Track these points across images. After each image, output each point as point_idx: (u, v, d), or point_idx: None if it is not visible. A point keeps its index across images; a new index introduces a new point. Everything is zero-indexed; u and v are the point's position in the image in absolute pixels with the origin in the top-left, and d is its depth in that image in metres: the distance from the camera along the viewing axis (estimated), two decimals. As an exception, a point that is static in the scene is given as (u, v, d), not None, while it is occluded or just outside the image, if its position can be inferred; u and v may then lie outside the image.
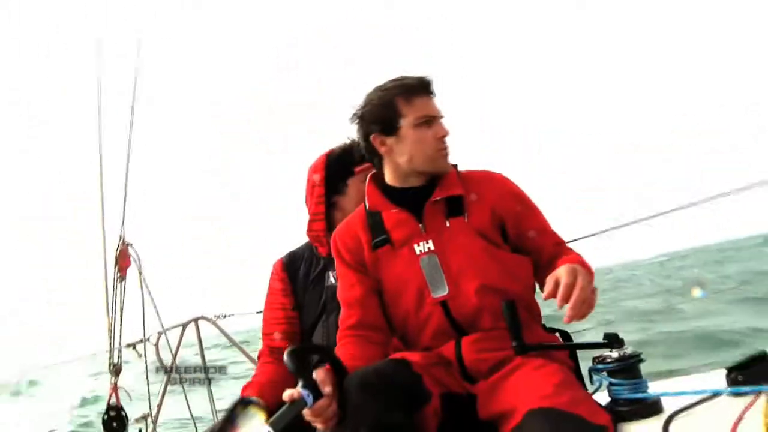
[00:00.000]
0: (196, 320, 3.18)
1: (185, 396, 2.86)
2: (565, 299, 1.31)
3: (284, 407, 1.31)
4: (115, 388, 2.53)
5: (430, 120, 1.62)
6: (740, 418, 1.21)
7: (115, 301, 2.45)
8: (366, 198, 1.70)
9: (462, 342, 1.55)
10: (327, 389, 1.33)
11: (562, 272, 1.34)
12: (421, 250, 1.59)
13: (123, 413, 2.57)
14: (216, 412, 3.02)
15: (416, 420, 1.39)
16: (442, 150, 1.63)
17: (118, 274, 2.39)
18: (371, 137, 1.65)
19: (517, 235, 1.63)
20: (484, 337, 1.54)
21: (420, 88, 1.62)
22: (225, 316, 3.20)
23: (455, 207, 1.62)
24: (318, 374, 1.34)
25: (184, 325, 3.17)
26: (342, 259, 1.69)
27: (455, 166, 1.70)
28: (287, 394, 1.31)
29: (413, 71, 1.66)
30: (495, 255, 1.59)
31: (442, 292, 1.57)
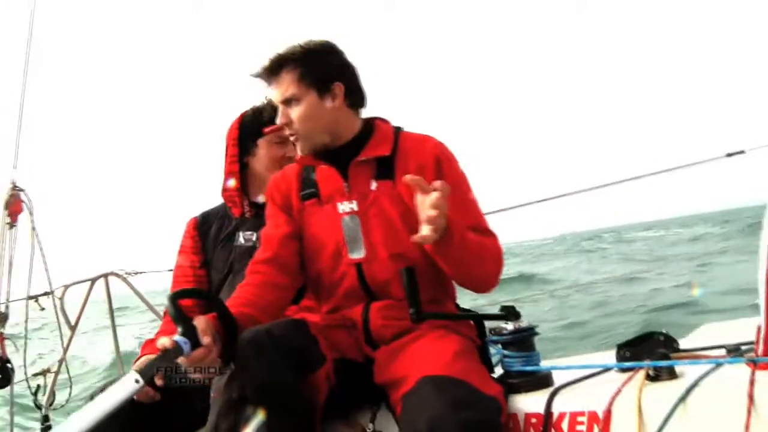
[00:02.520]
0: (105, 276, 3.07)
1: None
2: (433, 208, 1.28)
3: (156, 355, 1.25)
4: (0, 338, 2.40)
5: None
6: (618, 392, 1.25)
7: (4, 249, 2.32)
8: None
9: (370, 307, 1.55)
10: (206, 339, 1.27)
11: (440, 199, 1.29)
12: (344, 210, 1.58)
13: (9, 365, 2.45)
14: (121, 368, 2.94)
15: (307, 383, 1.37)
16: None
17: (8, 220, 2.25)
18: (334, 84, 1.58)
19: None
20: (393, 305, 1.54)
21: None
22: (136, 273, 3.10)
23: (384, 169, 1.58)
24: (198, 322, 1.28)
25: (93, 280, 3.05)
26: (273, 201, 1.68)
27: (398, 128, 1.67)
28: (160, 343, 1.24)
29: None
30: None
31: (359, 254, 1.56)
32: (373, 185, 1.58)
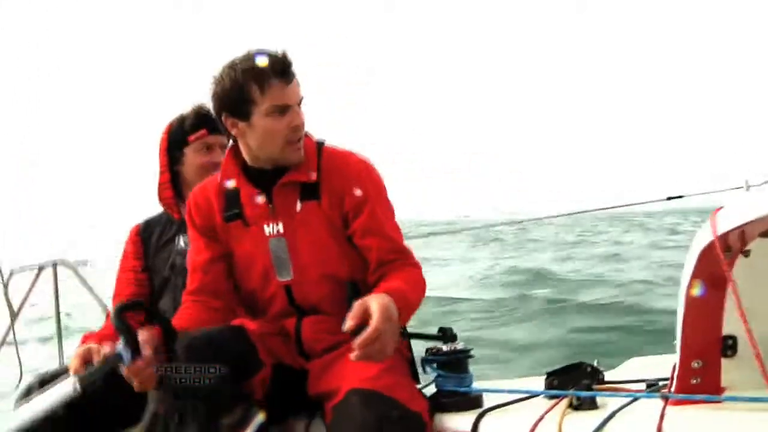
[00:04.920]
0: (54, 264, 3.03)
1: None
2: (363, 346, 1.23)
3: (98, 363, 1.32)
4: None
5: (285, 108, 1.50)
6: (541, 418, 1.31)
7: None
8: (222, 169, 1.64)
9: (303, 320, 1.57)
10: (146, 351, 1.30)
11: (375, 311, 1.25)
12: (270, 232, 1.57)
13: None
14: (62, 359, 2.90)
15: (243, 389, 1.40)
16: (293, 142, 1.53)
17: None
18: (223, 116, 1.55)
19: (353, 231, 1.56)
20: (324, 320, 1.56)
21: (276, 73, 1.48)
22: (86, 263, 3.07)
23: (310, 190, 1.57)
24: (141, 334, 1.32)
25: (41, 267, 3.01)
26: (193, 223, 1.66)
27: (321, 143, 1.64)
28: (102, 351, 1.30)
29: (283, 47, 1.52)
30: (342, 245, 1.57)
31: (287, 276, 1.56)
32: (299, 206, 1.56)
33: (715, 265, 1.05)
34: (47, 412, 1.29)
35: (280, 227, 1.56)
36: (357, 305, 1.27)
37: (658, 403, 1.23)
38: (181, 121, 1.99)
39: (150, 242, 2.04)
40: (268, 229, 1.57)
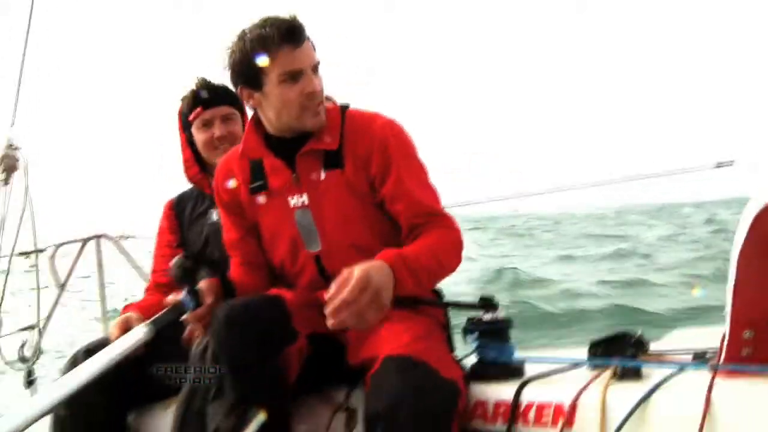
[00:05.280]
0: (97, 237, 3.08)
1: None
2: (329, 316, 1.24)
3: (164, 310, 1.47)
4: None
5: (297, 74, 1.46)
6: (585, 387, 1.29)
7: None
8: (242, 141, 1.63)
9: None
10: (208, 299, 1.47)
11: (350, 281, 1.23)
12: (295, 204, 1.55)
13: (-1, 318, 2.50)
14: (107, 329, 2.97)
15: (279, 358, 1.41)
16: (309, 108, 1.49)
17: (2, 178, 2.28)
18: (238, 89, 1.54)
19: (382, 197, 1.54)
20: None
21: (284, 39, 1.44)
22: (128, 237, 3.13)
23: (333, 158, 1.54)
24: (203, 284, 1.47)
25: (85, 241, 3.07)
26: (221, 201, 1.68)
27: (345, 107, 1.60)
28: (169, 298, 1.48)
29: (288, 13, 1.48)
30: (369, 213, 1.55)
31: (315, 247, 1.56)
32: (323, 175, 1.54)
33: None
34: (123, 353, 1.44)
35: (305, 198, 1.54)
36: (342, 273, 1.25)
37: (706, 374, 1.20)
38: (183, 101, 2.03)
39: (183, 217, 2.09)
40: (293, 200, 1.55)
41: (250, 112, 1.64)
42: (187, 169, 2.07)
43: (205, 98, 1.96)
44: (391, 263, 1.32)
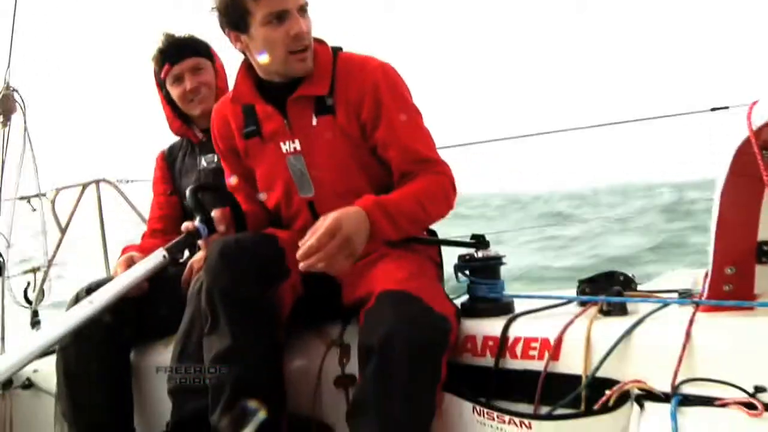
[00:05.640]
0: (97, 182, 3.10)
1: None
2: (299, 258, 1.30)
3: (179, 237, 1.53)
4: (-9, 236, 2.48)
5: (282, 15, 1.43)
6: (570, 322, 1.33)
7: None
8: (234, 86, 1.61)
9: None
10: (221, 227, 1.50)
11: (321, 228, 1.30)
12: (287, 150, 1.55)
13: (1, 259, 2.54)
14: (108, 270, 3.02)
15: (273, 294, 1.45)
16: (296, 51, 1.47)
17: (0, 119, 2.29)
18: (226, 32, 1.53)
19: (374, 144, 1.53)
20: None
21: None
22: (128, 181, 3.14)
23: (324, 103, 1.52)
24: (215, 212, 1.51)
25: (84, 186, 3.08)
26: (218, 147, 1.71)
27: (338, 49, 1.58)
28: (185, 226, 1.52)
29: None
30: (360, 159, 1.55)
31: (309, 193, 1.57)
32: (314, 121, 1.53)
33: (752, 166, 1.02)
34: (142, 277, 1.50)
35: (297, 144, 1.55)
36: (319, 221, 1.32)
37: (689, 309, 1.24)
38: (154, 60, 2.04)
39: (175, 166, 2.14)
40: (285, 146, 1.56)
41: (232, 60, 1.64)
42: (170, 125, 2.10)
43: (171, 54, 1.98)
44: (367, 209, 1.35)
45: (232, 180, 1.70)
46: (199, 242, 1.53)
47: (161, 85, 2.05)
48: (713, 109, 2.06)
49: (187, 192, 1.55)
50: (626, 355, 1.22)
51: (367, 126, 1.52)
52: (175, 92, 2.00)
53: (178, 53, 1.98)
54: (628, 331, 1.24)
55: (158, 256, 1.51)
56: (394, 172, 1.54)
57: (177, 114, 2.06)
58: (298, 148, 1.55)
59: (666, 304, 1.32)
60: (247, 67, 1.58)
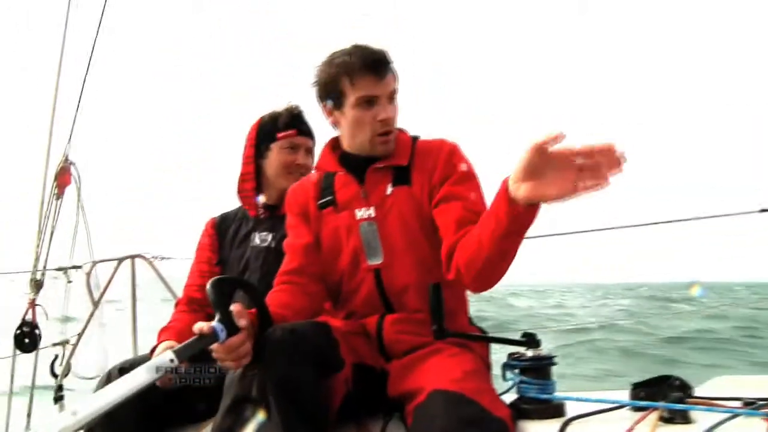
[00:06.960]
0: (132, 257, 3.13)
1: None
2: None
3: (192, 338, 1.28)
4: (32, 304, 2.48)
5: (372, 100, 1.57)
6: (630, 429, 1.26)
7: (48, 217, 2.39)
8: (319, 157, 1.73)
9: (384, 320, 1.58)
10: (242, 321, 1.30)
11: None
12: (361, 216, 1.61)
13: (37, 331, 2.53)
14: (136, 349, 2.99)
15: (325, 385, 1.40)
16: (381, 134, 1.60)
17: (55, 191, 2.33)
18: (322, 104, 1.67)
19: (437, 201, 1.56)
20: (406, 319, 1.57)
21: (366, 68, 1.55)
22: (162, 258, 3.16)
23: (401, 175, 1.62)
24: (235, 308, 1.31)
25: (120, 260, 3.11)
26: (291, 211, 1.72)
27: (416, 137, 1.69)
28: (197, 327, 1.28)
29: (375, 44, 1.62)
30: (427, 228, 1.58)
31: (377, 260, 1.59)
32: (389, 190, 1.61)
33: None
34: (144, 384, 1.26)
35: (372, 211, 1.60)
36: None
37: (759, 422, 1.17)
38: (274, 117, 2.04)
39: (226, 237, 2.07)
40: (360, 212, 1.61)
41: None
42: (242, 182, 2.06)
43: (302, 124, 2.02)
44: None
45: (298, 240, 1.66)
46: (215, 346, 1.30)
47: (262, 140, 2.03)
48: (762, 211, 2.03)
49: (208, 284, 1.35)
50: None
51: (435, 188, 1.58)
52: (283, 157, 2.00)
53: (308, 129, 2.03)
54: (698, 442, 1.17)
55: (165, 359, 1.28)
56: (451, 222, 1.50)
57: (255, 176, 2.04)
58: (373, 215, 1.60)
59: (736, 415, 1.25)
60: (333, 144, 1.72)
